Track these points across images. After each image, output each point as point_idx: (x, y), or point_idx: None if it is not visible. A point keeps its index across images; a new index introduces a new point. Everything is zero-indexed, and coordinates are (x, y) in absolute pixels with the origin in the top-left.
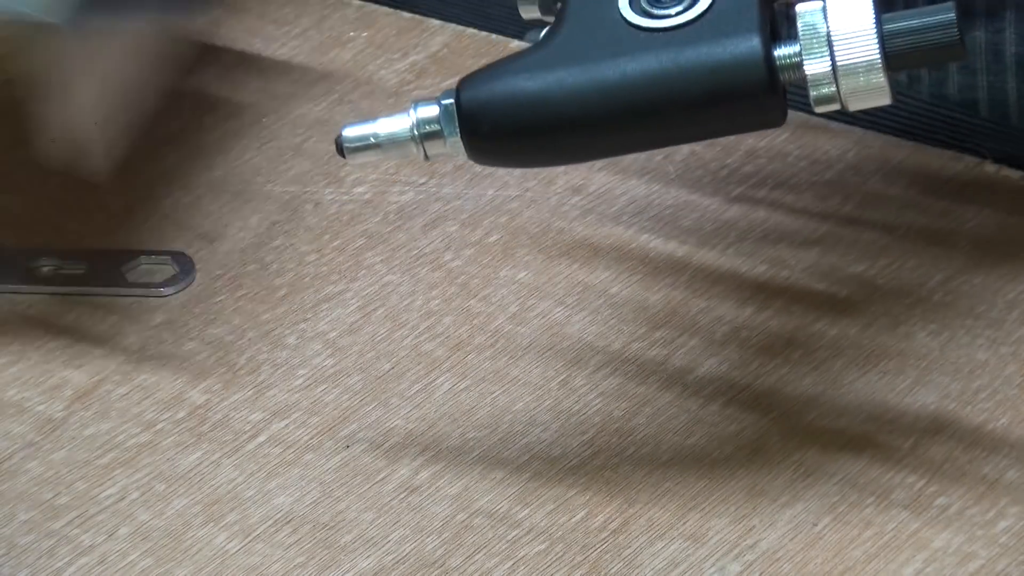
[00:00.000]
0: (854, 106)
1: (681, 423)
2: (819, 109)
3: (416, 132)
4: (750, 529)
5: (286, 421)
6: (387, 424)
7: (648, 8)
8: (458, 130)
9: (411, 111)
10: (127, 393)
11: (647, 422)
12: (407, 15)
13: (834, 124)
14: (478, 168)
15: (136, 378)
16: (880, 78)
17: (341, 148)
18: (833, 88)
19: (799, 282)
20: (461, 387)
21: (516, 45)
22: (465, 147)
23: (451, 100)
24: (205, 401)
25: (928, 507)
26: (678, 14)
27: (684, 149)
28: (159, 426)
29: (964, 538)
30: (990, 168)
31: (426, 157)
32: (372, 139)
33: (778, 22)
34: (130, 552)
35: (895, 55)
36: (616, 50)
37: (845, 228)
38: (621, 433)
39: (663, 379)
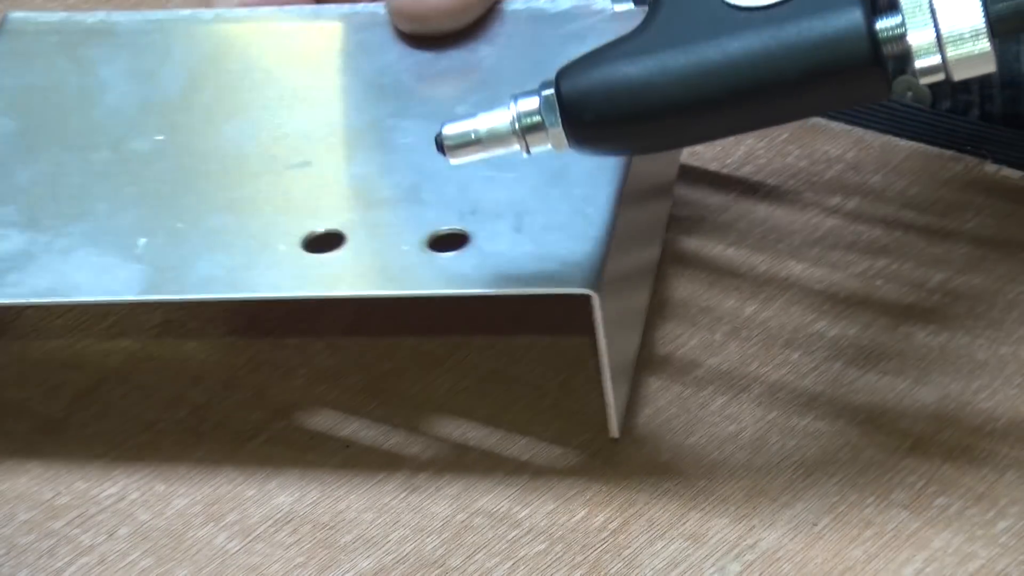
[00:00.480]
0: (960, 75)
1: (681, 423)
2: (924, 80)
3: (517, 125)
4: (750, 529)
5: (286, 421)
6: (387, 424)
7: None
8: (560, 120)
9: (511, 104)
10: (127, 393)
11: (647, 422)
12: None
13: (834, 124)
14: None
15: (136, 378)
16: (986, 45)
17: (442, 146)
18: (938, 58)
19: (799, 282)
20: (461, 387)
21: None
22: (568, 137)
23: (551, 91)
24: (205, 401)
25: (928, 507)
26: None
27: (684, 149)
28: (159, 426)
29: (964, 538)
30: (990, 168)
31: (527, 151)
32: (473, 136)
33: None
34: (130, 552)
35: (1000, 19)
36: (716, 31)
37: (845, 228)
38: (621, 433)
39: (664, 379)
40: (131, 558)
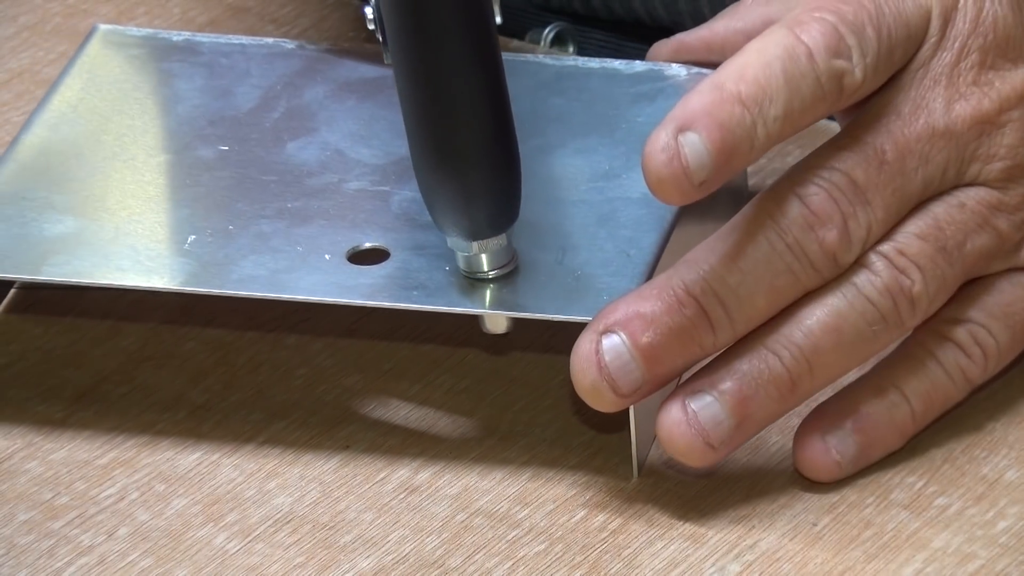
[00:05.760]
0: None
1: None
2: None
3: None
4: (750, 529)
5: (286, 421)
6: (387, 424)
7: None
8: None
9: None
10: (127, 393)
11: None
12: None
13: (835, 124)
14: None
15: (136, 378)
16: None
17: None
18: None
19: None
20: (461, 387)
21: (516, 44)
22: None
23: None
24: (205, 401)
25: (928, 507)
26: None
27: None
28: (159, 426)
29: (964, 538)
30: None
31: None
32: None
33: None
34: (130, 552)
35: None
36: None
37: None
38: (621, 433)
39: None
40: (131, 558)
